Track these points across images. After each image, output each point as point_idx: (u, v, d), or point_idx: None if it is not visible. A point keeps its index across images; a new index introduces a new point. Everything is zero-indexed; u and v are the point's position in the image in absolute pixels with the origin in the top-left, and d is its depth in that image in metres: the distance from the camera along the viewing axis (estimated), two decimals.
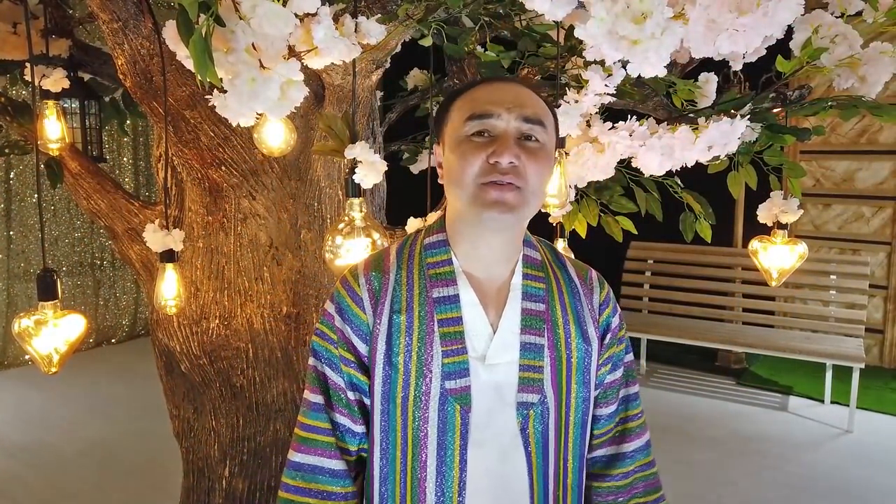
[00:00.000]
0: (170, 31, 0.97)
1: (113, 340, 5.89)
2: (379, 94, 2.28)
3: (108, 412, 4.22)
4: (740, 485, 3.32)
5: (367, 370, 1.02)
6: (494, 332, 1.00)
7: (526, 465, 1.00)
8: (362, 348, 1.01)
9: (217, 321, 1.68)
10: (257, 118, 1.14)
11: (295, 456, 1.03)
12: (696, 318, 4.90)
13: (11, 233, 5.23)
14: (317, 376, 1.04)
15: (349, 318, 1.02)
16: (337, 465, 1.02)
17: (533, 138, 0.97)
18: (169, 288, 1.44)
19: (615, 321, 1.11)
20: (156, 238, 1.41)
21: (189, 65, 0.93)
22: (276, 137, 1.45)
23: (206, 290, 1.70)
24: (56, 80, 1.67)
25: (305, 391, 1.06)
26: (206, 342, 1.69)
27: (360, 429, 1.03)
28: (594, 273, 1.13)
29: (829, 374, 4.31)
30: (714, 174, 1.65)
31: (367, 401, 1.03)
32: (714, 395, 4.57)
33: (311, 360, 1.06)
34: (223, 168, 1.62)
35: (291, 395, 1.73)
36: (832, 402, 4.32)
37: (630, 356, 1.14)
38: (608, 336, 1.09)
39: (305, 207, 1.71)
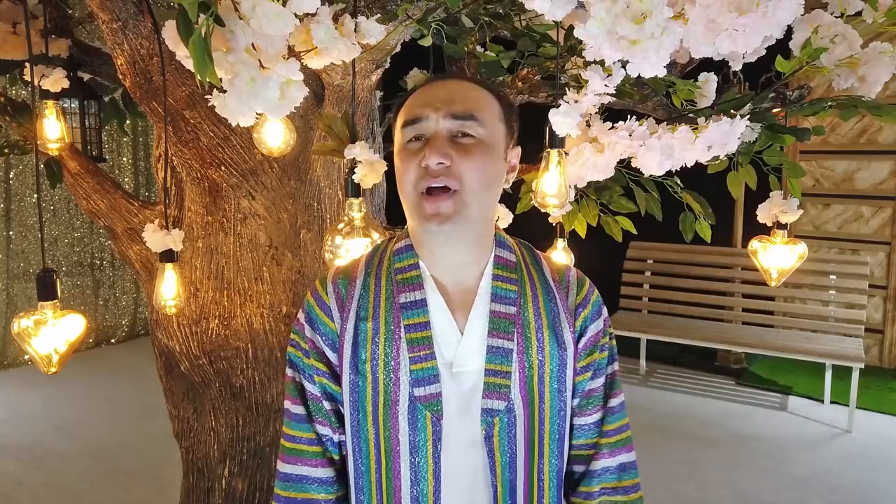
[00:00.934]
0: (169, 31, 0.97)
1: (113, 340, 5.89)
2: (379, 94, 2.28)
3: (108, 412, 4.22)
4: (740, 485, 3.32)
5: (339, 379, 1.00)
6: (462, 336, 0.97)
7: (490, 477, 0.96)
8: (332, 357, 1.00)
9: (217, 321, 1.69)
10: (257, 118, 1.14)
11: (283, 467, 1.02)
12: (696, 318, 4.91)
13: (11, 233, 5.23)
14: (295, 387, 1.03)
15: (318, 326, 1.01)
16: (324, 473, 1.01)
17: (466, 135, 0.93)
18: (168, 288, 1.44)
19: (596, 326, 1.04)
20: (155, 238, 1.41)
21: (189, 65, 0.93)
22: (275, 137, 1.45)
23: (205, 290, 1.70)
24: (56, 80, 1.67)
25: (286, 401, 1.04)
26: (205, 342, 1.69)
27: (339, 437, 1.02)
28: (573, 273, 1.07)
29: (828, 374, 4.32)
30: (714, 174, 1.66)
31: (342, 409, 1.01)
32: (714, 395, 4.57)
33: (287, 371, 1.05)
34: (223, 168, 1.62)
35: None
36: (832, 402, 4.32)
37: (614, 367, 1.08)
38: (584, 339, 1.03)
39: (305, 207, 1.71)
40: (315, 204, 1.72)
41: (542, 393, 0.98)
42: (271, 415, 1.74)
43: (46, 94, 1.69)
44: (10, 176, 5.18)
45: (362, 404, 0.97)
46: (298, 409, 1.02)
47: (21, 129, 1.85)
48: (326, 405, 1.01)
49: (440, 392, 0.95)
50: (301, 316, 1.04)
